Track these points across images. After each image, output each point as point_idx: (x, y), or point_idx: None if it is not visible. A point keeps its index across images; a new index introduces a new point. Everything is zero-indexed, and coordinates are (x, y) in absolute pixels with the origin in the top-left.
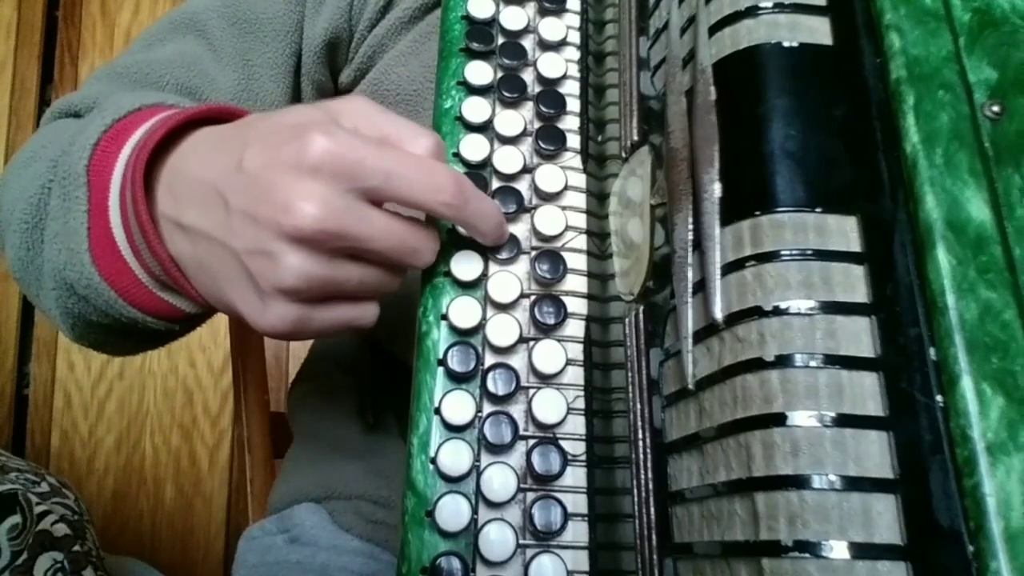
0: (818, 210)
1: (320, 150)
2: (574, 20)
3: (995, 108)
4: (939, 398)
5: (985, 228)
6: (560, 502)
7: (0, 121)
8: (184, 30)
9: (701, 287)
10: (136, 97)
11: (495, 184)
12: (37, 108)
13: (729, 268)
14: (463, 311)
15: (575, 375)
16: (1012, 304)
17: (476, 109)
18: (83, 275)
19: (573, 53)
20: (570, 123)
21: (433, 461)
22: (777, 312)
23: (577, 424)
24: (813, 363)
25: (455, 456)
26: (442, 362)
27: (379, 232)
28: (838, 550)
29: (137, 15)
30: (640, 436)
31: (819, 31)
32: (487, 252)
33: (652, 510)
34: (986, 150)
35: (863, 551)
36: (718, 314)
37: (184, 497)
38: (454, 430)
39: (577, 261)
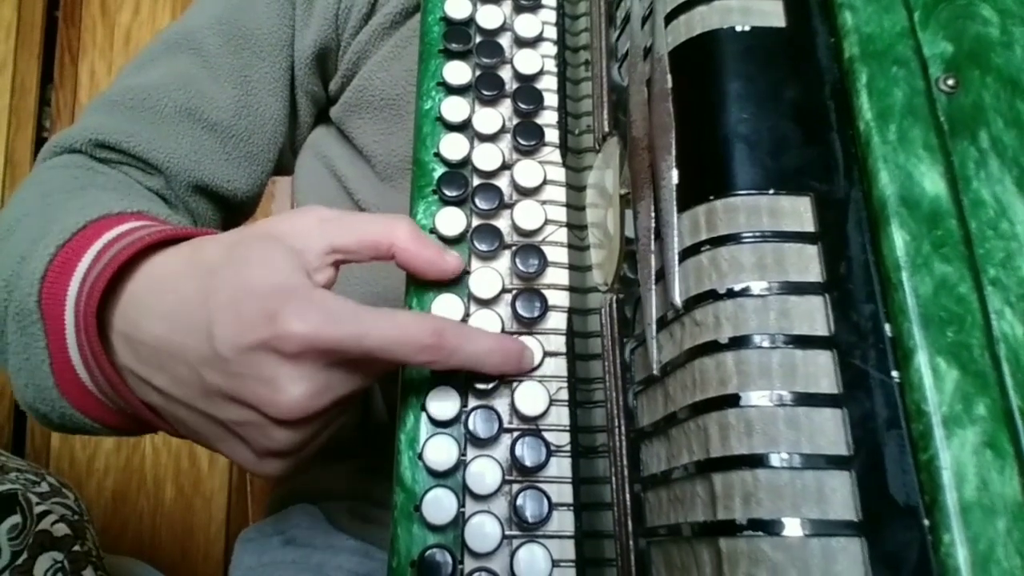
0: (771, 192)
1: (297, 340)
2: (550, 15)
3: (950, 82)
4: (895, 374)
5: (940, 202)
6: (545, 492)
7: (0, 121)
8: (177, 49)
9: (663, 274)
10: (81, 209)
11: (475, 181)
12: (37, 108)
13: (686, 253)
14: (446, 308)
15: (558, 366)
16: (968, 277)
17: (455, 108)
18: (55, 408)
19: (550, 48)
20: (548, 118)
21: (420, 457)
22: (731, 295)
23: (560, 415)
24: (767, 343)
25: (441, 451)
26: None
27: (363, 382)
28: (792, 527)
29: (137, 15)
30: (616, 424)
31: (772, 14)
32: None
33: (628, 496)
34: (941, 124)
35: (817, 528)
36: (677, 299)
37: (184, 497)
38: (440, 425)
39: (558, 254)
